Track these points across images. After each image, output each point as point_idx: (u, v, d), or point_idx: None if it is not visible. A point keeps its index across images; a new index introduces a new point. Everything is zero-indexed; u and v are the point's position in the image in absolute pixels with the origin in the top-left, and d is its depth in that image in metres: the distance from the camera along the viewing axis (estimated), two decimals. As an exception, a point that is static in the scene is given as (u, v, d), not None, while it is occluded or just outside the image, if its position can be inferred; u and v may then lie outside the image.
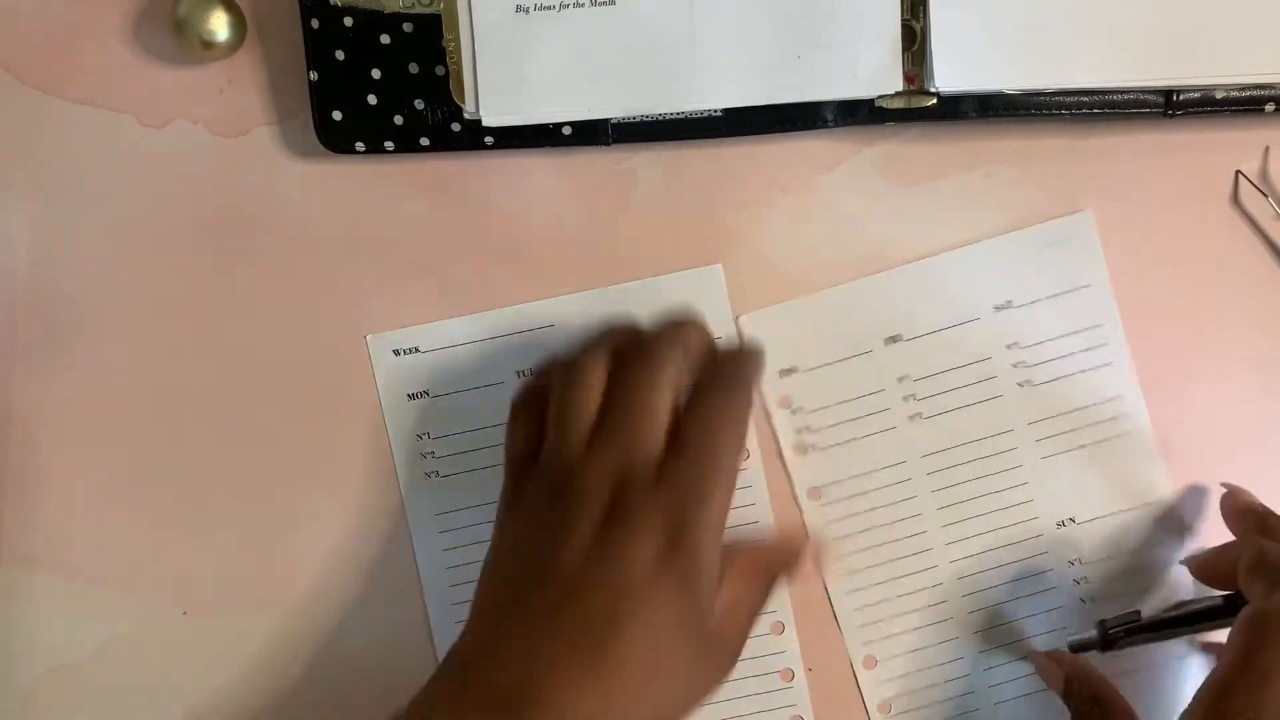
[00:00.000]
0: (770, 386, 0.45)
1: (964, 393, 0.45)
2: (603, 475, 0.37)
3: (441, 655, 0.45)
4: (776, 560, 0.41)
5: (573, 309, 0.45)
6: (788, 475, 0.45)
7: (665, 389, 0.38)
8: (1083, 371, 0.45)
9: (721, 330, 0.45)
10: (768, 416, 0.45)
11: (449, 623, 0.45)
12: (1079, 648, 0.44)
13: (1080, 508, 0.45)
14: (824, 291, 0.45)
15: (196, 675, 0.45)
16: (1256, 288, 0.45)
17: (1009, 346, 0.45)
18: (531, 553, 0.37)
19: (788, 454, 0.45)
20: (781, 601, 0.45)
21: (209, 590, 0.45)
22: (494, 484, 0.43)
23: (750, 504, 0.45)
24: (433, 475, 0.45)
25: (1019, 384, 0.45)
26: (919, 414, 0.45)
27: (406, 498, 0.45)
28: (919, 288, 0.45)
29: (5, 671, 0.45)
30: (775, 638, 0.45)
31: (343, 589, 0.45)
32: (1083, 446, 0.45)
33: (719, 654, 0.39)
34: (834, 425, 0.45)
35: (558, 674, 0.35)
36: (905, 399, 0.45)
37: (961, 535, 0.45)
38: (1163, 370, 0.45)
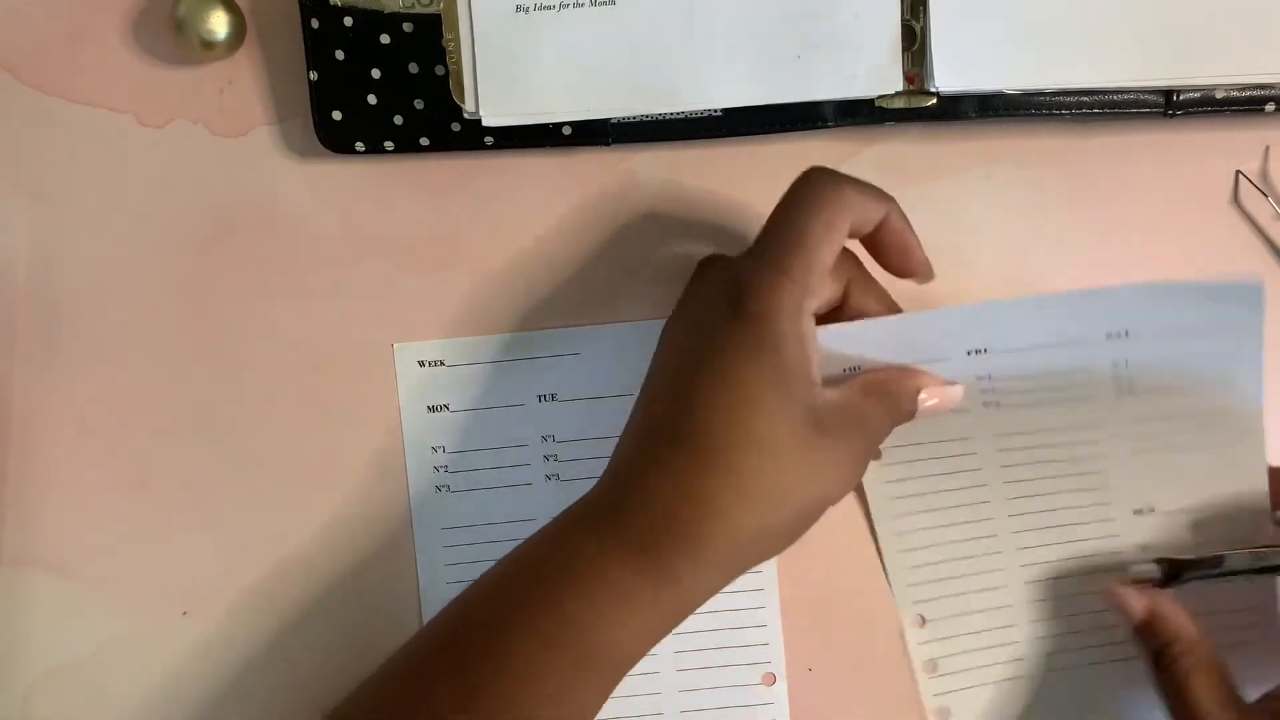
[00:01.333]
0: None
1: (1052, 393, 0.43)
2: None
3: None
4: (905, 381, 0.39)
5: (603, 339, 0.45)
6: None
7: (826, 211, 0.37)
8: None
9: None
10: None
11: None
12: (1137, 580, 0.42)
13: (1161, 498, 0.43)
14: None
15: (196, 675, 0.45)
16: (1256, 288, 0.45)
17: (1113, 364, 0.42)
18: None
19: None
20: (769, 600, 0.45)
21: (209, 590, 0.45)
22: (504, 503, 0.44)
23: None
24: (443, 489, 0.45)
25: (1116, 392, 0.42)
26: (996, 403, 0.43)
27: (414, 508, 0.45)
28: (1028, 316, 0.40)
29: (5, 671, 0.45)
30: (757, 631, 0.45)
31: (342, 594, 0.45)
32: (1171, 442, 0.43)
33: (831, 447, 0.37)
34: None
35: (644, 460, 0.36)
36: (981, 384, 0.42)
37: (1027, 509, 0.44)
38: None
